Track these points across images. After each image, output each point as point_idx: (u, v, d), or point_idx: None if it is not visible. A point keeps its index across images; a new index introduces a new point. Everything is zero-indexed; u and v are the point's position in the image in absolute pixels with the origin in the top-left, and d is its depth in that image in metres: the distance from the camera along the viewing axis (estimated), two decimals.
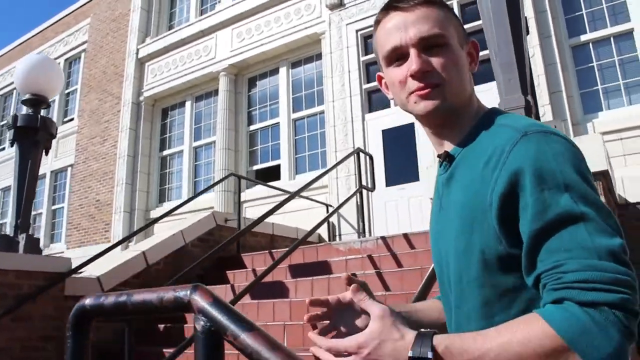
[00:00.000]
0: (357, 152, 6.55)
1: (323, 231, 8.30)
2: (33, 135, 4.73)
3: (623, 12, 7.49)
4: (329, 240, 8.17)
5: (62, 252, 11.32)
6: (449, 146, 1.08)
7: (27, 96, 4.91)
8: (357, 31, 8.93)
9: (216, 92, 10.91)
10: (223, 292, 4.99)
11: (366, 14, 8.87)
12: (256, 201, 9.67)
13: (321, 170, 9.10)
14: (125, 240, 5.67)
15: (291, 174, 9.53)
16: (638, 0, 7.30)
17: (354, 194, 6.57)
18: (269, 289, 4.84)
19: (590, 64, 7.51)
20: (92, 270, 5.05)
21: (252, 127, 10.37)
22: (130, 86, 11.74)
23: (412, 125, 8.07)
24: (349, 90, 8.69)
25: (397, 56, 1.05)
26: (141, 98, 11.71)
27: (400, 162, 8.05)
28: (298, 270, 5.22)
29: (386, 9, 1.08)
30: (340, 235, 8.17)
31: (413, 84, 1.02)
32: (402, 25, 1.03)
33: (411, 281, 4.23)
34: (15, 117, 4.77)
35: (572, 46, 7.60)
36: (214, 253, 4.95)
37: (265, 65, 10.41)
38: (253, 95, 10.59)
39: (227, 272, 5.73)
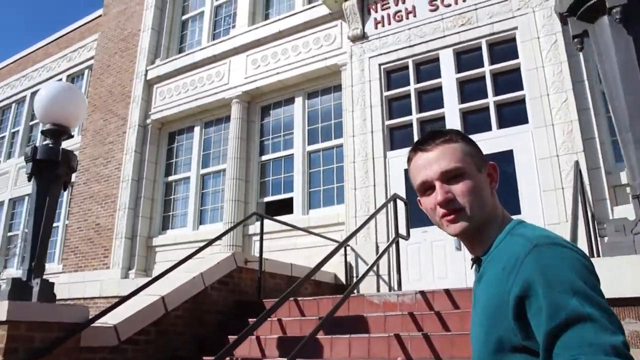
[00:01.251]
0: (394, 198, 6.20)
1: (340, 271, 7.95)
2: (53, 169, 4.35)
3: None
4: (346, 282, 7.81)
5: (57, 275, 10.82)
6: (479, 252, 1.29)
7: (48, 126, 4.55)
8: (380, 65, 8.68)
9: (227, 118, 10.60)
10: (247, 346, 4.59)
11: (389, 48, 8.65)
12: (265, 235, 9.27)
13: (337, 206, 8.82)
14: (148, 283, 5.22)
15: (304, 209, 9.18)
16: None
17: (391, 243, 6.16)
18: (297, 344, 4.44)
19: None
20: (107, 318, 4.64)
21: (264, 157, 10.04)
22: (138, 108, 11.38)
23: None
24: (371, 126, 8.41)
25: (426, 188, 1.28)
26: (148, 121, 11.35)
27: None
28: (330, 324, 4.84)
29: (414, 150, 1.33)
30: (357, 276, 7.79)
31: (441, 211, 1.25)
32: (427, 163, 1.27)
33: (462, 347, 3.89)
34: (34, 149, 4.39)
35: (603, 92, 7.39)
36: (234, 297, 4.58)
37: (280, 94, 10.13)
38: (266, 124, 10.29)
39: (249, 320, 5.33)
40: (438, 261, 7.40)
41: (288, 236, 8.87)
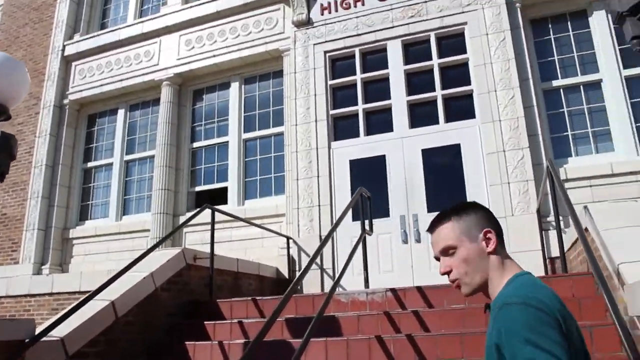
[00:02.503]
0: (361, 193, 5.92)
1: (282, 265, 7.60)
2: None
3: (593, 63, 7.61)
4: (289, 276, 7.47)
5: None
6: (490, 300, 1.55)
7: None
8: (325, 52, 8.40)
9: (156, 102, 9.88)
10: (208, 352, 4.13)
11: (336, 36, 8.39)
12: (197, 226, 8.73)
13: (275, 197, 8.47)
14: (103, 287, 4.56)
15: (240, 199, 8.72)
16: (606, 53, 7.45)
17: (360, 238, 5.82)
18: (269, 351, 4.04)
19: (561, 110, 7.52)
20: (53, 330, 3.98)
21: (195, 144, 9.45)
22: (53, 86, 10.33)
23: (383, 157, 7.64)
24: (315, 115, 8.11)
25: (438, 259, 1.63)
26: (65, 101, 10.33)
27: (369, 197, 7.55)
28: (298, 327, 4.49)
29: (428, 230, 1.68)
30: (300, 270, 7.48)
31: (451, 280, 1.60)
32: (434, 243, 1.63)
33: (446, 348, 3.68)
34: None
35: (544, 90, 7.58)
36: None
37: (215, 78, 9.57)
38: (199, 109, 9.69)
39: (205, 323, 4.85)
40: (384, 255, 7.25)
41: (223, 228, 8.35)
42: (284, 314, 4.94)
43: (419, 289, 4.70)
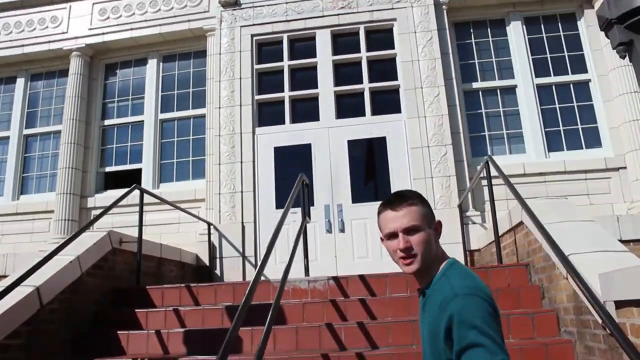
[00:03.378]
0: (302, 180, 5.79)
1: (202, 252, 7.32)
2: None
3: (509, 69, 8.08)
4: (209, 263, 7.22)
5: None
6: (424, 285, 1.77)
7: None
8: (252, 36, 8.19)
9: (62, 73, 9.11)
10: (144, 342, 3.86)
11: (264, 20, 8.21)
12: (113, 209, 8.19)
13: (193, 181, 8.16)
14: (28, 273, 4.06)
15: (155, 182, 8.29)
16: (521, 61, 7.94)
17: (301, 227, 5.64)
18: (214, 339, 3.85)
19: (479, 111, 7.90)
20: None
21: (107, 122, 8.83)
22: None
23: (309, 146, 7.61)
24: (240, 99, 7.89)
25: (391, 235, 1.74)
26: None
27: (293, 184, 7.47)
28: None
29: (384, 206, 1.78)
30: (221, 257, 7.25)
31: (400, 254, 1.72)
32: (395, 218, 1.73)
33: (397, 335, 3.74)
34: None
35: (464, 91, 7.93)
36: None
37: (131, 52, 8.99)
38: (111, 84, 9.06)
39: (136, 311, 4.52)
40: (308, 242, 7.21)
41: (136, 212, 7.83)
42: (220, 301, 4.76)
43: (362, 277, 4.72)
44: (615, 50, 3.04)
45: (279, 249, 7.29)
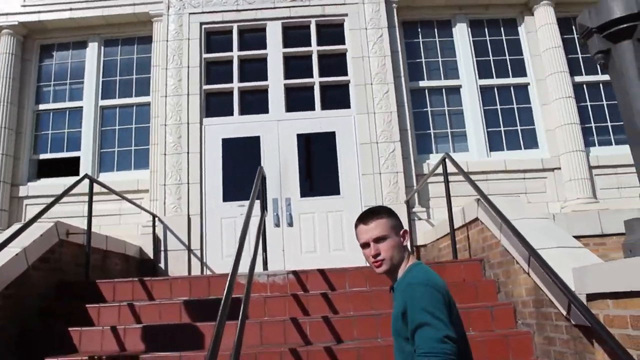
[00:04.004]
0: (261, 172, 5.66)
1: (146, 244, 7.09)
2: None
3: (454, 69, 8.32)
4: (154, 256, 7.00)
5: None
6: (393, 282, 2.16)
7: None
8: (201, 24, 7.98)
9: None
10: (98, 339, 3.69)
11: (214, 8, 8.02)
12: (43, 199, 7.77)
13: (135, 171, 7.89)
14: None
15: (94, 171, 7.93)
16: (466, 62, 8.19)
17: (262, 220, 5.48)
18: (173, 335, 3.74)
19: (425, 109, 8.09)
20: None
21: (42, 107, 8.34)
22: None
23: (258, 139, 7.52)
24: (187, 88, 7.67)
25: (365, 245, 2.15)
26: None
27: (242, 177, 7.38)
28: (198, 309, 4.20)
29: (358, 221, 2.20)
30: (166, 250, 7.05)
31: (372, 260, 2.13)
32: (366, 231, 2.14)
33: (363, 328, 3.78)
34: None
35: (411, 89, 8.08)
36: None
37: (69, 34, 8.53)
38: (47, 67, 8.56)
39: (87, 306, 4.30)
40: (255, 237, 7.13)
41: (73, 202, 7.49)
42: (176, 295, 4.63)
43: (321, 271, 4.72)
44: (594, 58, 3.18)
45: (225, 242, 7.21)
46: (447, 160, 5.64)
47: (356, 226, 2.20)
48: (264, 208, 5.71)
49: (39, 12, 8.30)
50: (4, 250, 3.85)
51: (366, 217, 2.17)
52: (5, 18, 8.25)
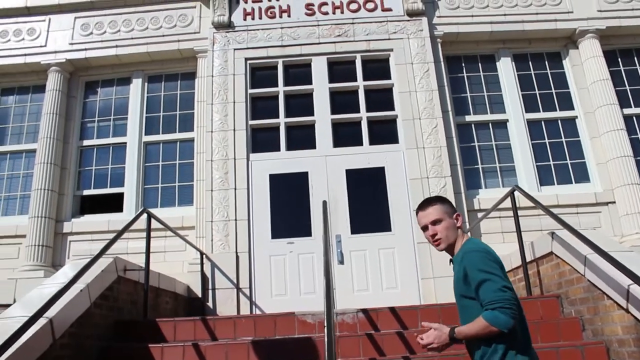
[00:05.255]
0: (326, 207, 5.54)
1: (193, 282, 6.94)
2: None
3: (500, 103, 8.22)
4: (202, 295, 6.84)
5: None
6: (452, 255, 2.56)
7: None
8: (246, 59, 7.99)
9: (37, 88, 8.60)
10: None
11: (259, 44, 8.03)
12: (87, 235, 7.72)
13: (179, 208, 7.80)
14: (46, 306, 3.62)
15: (138, 207, 7.85)
16: (512, 96, 8.11)
17: (327, 257, 5.35)
18: None
19: (472, 144, 7.98)
20: None
21: (86, 142, 8.35)
22: None
23: (305, 174, 7.42)
24: (233, 124, 7.64)
25: (424, 228, 2.59)
26: None
27: (291, 213, 7.27)
28: (266, 350, 4.04)
29: (417, 209, 2.67)
30: (214, 289, 6.90)
31: (431, 240, 2.57)
32: (424, 216, 2.59)
33: None
34: None
35: (458, 124, 7.99)
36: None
37: (113, 71, 8.59)
38: (91, 103, 8.59)
39: (149, 346, 4.16)
40: (305, 275, 6.98)
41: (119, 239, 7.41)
42: (240, 335, 4.48)
43: (392, 309, 4.56)
44: None
45: (274, 281, 7.05)
46: (517, 191, 5.51)
47: (416, 213, 2.66)
48: (328, 244, 5.56)
49: (85, 49, 8.38)
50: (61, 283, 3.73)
51: (423, 204, 2.64)
52: (54, 56, 8.33)
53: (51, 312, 3.59)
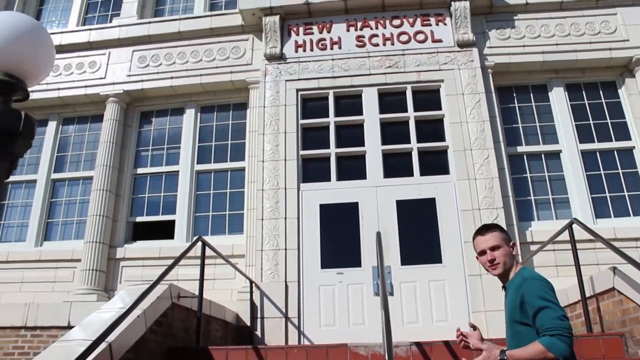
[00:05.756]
0: (380, 238, 5.54)
1: (242, 311, 6.98)
2: (8, 144, 2.82)
3: (553, 134, 8.08)
4: (251, 323, 6.86)
5: None
6: (505, 282, 2.72)
7: None
8: (297, 90, 8.12)
9: (95, 118, 8.95)
10: None
11: (310, 75, 8.16)
12: (138, 261, 7.88)
13: (229, 236, 7.89)
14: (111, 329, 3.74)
15: (189, 235, 8.00)
16: (565, 127, 7.95)
17: (383, 289, 5.32)
18: None
19: (524, 175, 7.84)
20: None
21: (140, 170, 8.59)
22: None
23: (356, 205, 7.42)
24: (284, 154, 7.74)
25: (482, 253, 2.75)
26: None
27: (340, 244, 7.26)
28: None
29: (476, 234, 2.82)
30: (263, 317, 6.90)
31: (488, 264, 2.71)
32: (483, 241, 2.74)
33: None
34: None
35: (509, 155, 7.87)
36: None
37: (168, 101, 8.87)
38: (146, 132, 8.87)
39: None
40: (355, 306, 6.92)
41: (163, 265, 7.53)
42: None
43: (446, 343, 4.47)
44: None
45: (323, 311, 7.01)
46: (575, 224, 5.38)
47: (474, 238, 2.80)
48: (385, 277, 5.53)
49: (142, 80, 8.69)
50: (122, 312, 3.80)
51: (482, 230, 2.79)
52: (112, 87, 8.67)
53: (110, 337, 3.67)
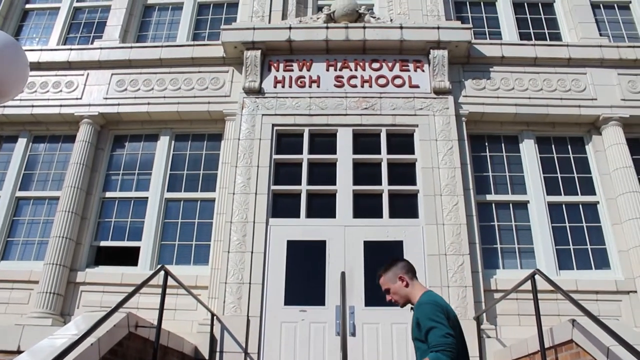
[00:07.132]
0: (344, 278, 5.52)
1: (201, 344, 6.81)
2: None
3: (521, 184, 8.24)
4: (210, 357, 6.71)
5: None
6: (413, 304, 3.15)
7: None
8: (273, 125, 8.16)
9: (67, 138, 8.83)
10: None
11: (287, 111, 8.23)
12: (99, 286, 7.70)
13: (194, 267, 7.77)
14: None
15: (153, 263, 7.86)
16: (533, 178, 8.12)
17: (344, 329, 5.24)
18: None
19: (492, 223, 7.94)
20: None
21: (108, 194, 8.47)
22: None
23: (323, 243, 7.40)
24: (255, 187, 7.72)
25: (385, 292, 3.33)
26: None
27: (306, 281, 7.20)
28: None
29: (378, 276, 3.40)
30: (222, 352, 6.76)
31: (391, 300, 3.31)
32: (381, 285, 3.33)
33: None
34: None
35: (478, 202, 7.98)
36: None
37: (143, 127, 8.82)
38: (118, 156, 8.78)
39: None
40: (316, 345, 6.83)
41: (127, 291, 7.36)
42: None
43: None
44: None
45: (283, 348, 6.90)
46: (538, 275, 5.44)
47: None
48: (346, 318, 5.49)
49: (118, 104, 8.64)
50: (72, 339, 3.68)
51: (376, 278, 3.36)
52: (88, 109, 8.60)
53: None
